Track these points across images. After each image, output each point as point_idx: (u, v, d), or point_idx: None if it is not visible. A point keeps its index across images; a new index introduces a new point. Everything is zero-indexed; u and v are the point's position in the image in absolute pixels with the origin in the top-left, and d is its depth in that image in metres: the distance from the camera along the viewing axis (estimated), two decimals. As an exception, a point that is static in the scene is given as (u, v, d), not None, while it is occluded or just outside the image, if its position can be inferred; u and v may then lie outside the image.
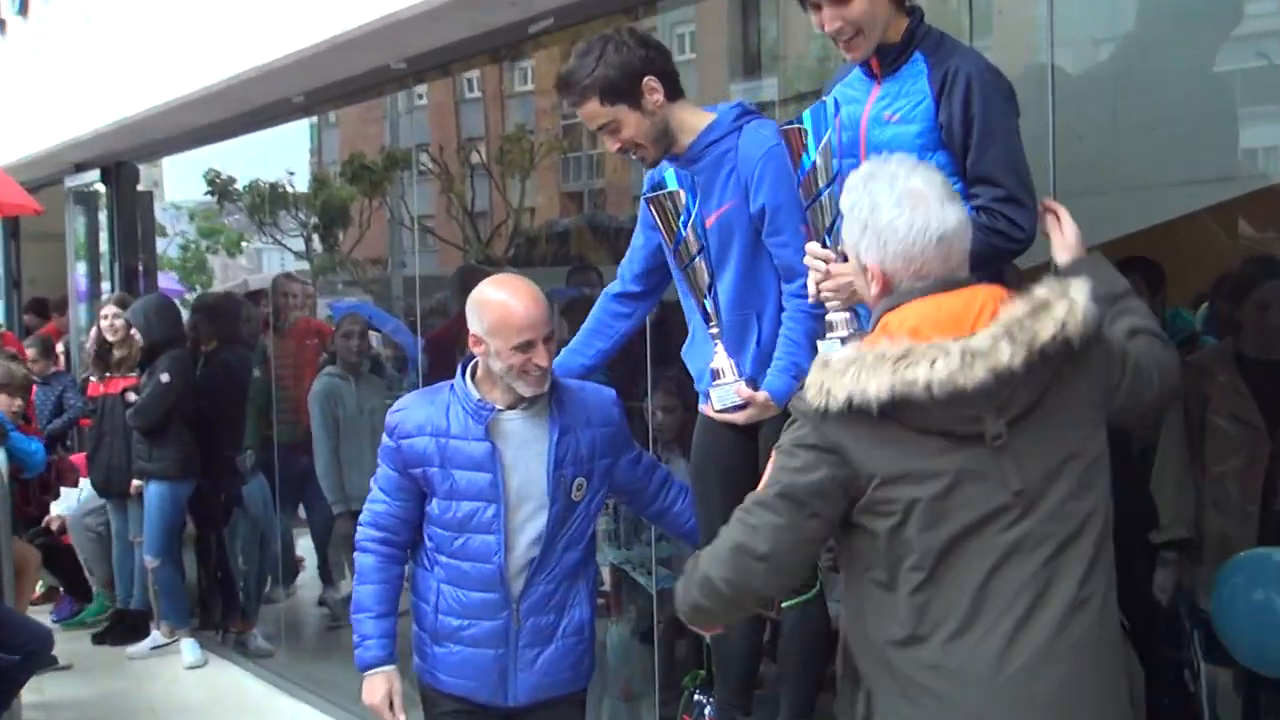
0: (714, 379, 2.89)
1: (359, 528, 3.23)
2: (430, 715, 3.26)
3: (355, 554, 3.24)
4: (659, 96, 2.85)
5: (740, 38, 5.06)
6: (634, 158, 2.97)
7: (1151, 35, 4.33)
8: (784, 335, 2.84)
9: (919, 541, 2.13)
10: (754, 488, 2.99)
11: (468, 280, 5.51)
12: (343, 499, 6.08)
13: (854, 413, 2.11)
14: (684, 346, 3.12)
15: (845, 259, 2.44)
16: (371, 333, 6.59)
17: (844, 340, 2.56)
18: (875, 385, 2.08)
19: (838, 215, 2.46)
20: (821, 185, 2.60)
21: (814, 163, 2.59)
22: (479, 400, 3.06)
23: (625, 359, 3.95)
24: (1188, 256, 3.96)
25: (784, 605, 3.04)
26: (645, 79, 2.83)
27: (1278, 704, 3.24)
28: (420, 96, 7.97)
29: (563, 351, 3.27)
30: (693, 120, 2.91)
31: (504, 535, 3.04)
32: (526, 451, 3.07)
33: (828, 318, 2.64)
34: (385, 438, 3.15)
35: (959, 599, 2.13)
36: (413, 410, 3.14)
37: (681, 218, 2.89)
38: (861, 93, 2.64)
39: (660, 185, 2.97)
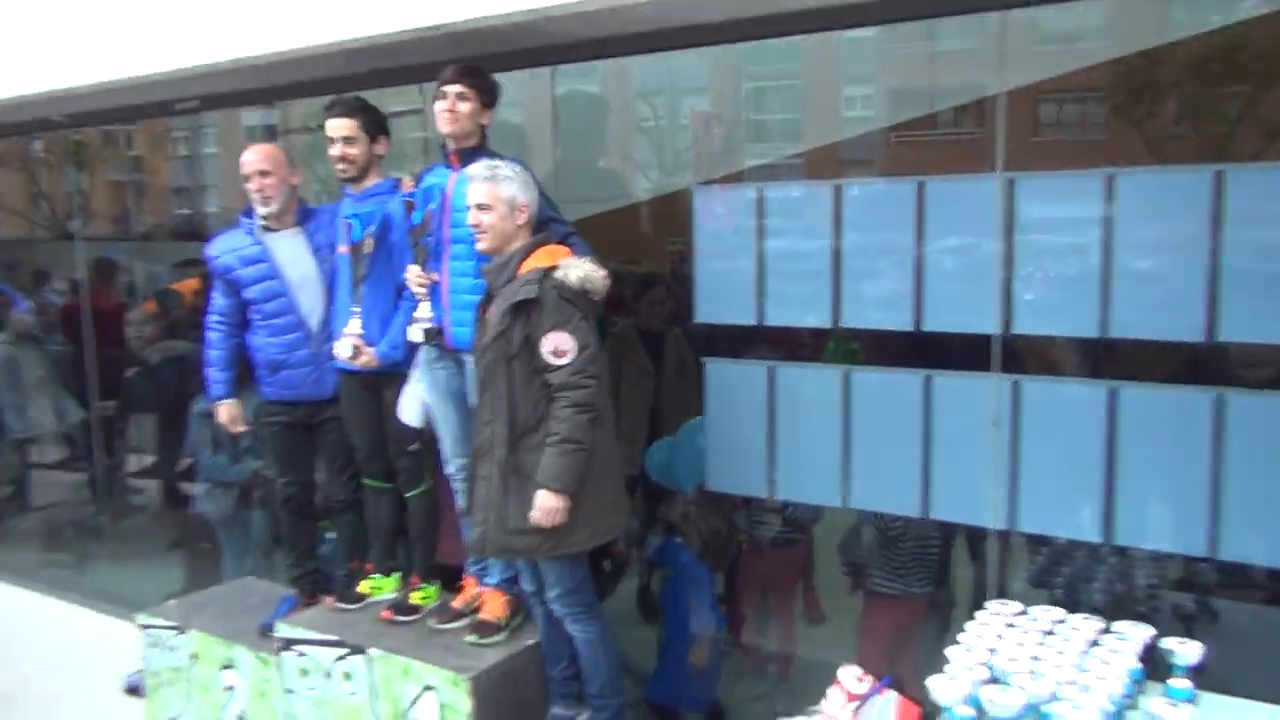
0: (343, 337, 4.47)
1: (209, 315, 4.73)
2: (268, 421, 4.81)
3: (206, 332, 4.75)
4: (384, 146, 4.51)
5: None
6: (339, 169, 4.45)
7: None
8: (396, 323, 4.44)
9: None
10: (388, 428, 4.54)
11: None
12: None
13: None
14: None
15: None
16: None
17: (425, 329, 4.15)
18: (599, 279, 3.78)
19: (436, 247, 4.16)
20: (427, 235, 4.18)
21: (424, 217, 4.19)
22: (256, 220, 4.63)
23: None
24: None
25: (407, 496, 4.64)
26: (386, 125, 4.52)
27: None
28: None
29: None
30: (376, 176, 4.51)
31: (297, 314, 4.63)
32: (295, 253, 4.64)
33: (414, 313, 4.23)
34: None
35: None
36: (219, 241, 4.71)
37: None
38: (443, 178, 4.18)
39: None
